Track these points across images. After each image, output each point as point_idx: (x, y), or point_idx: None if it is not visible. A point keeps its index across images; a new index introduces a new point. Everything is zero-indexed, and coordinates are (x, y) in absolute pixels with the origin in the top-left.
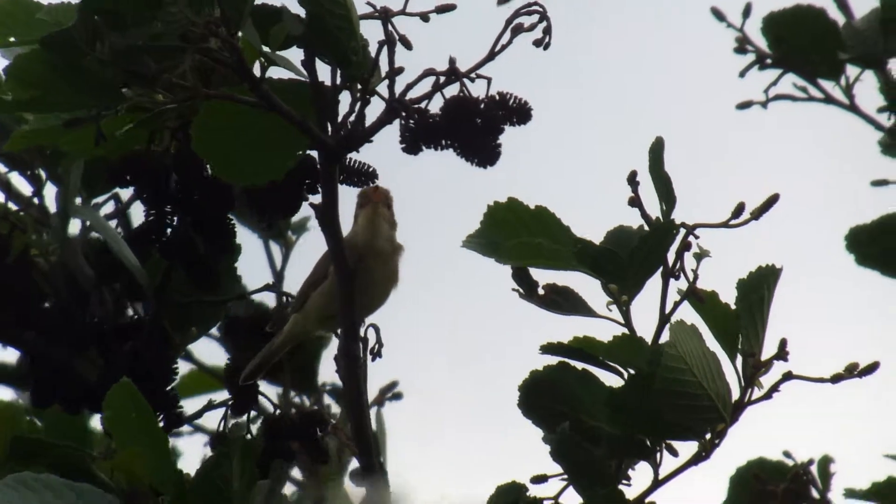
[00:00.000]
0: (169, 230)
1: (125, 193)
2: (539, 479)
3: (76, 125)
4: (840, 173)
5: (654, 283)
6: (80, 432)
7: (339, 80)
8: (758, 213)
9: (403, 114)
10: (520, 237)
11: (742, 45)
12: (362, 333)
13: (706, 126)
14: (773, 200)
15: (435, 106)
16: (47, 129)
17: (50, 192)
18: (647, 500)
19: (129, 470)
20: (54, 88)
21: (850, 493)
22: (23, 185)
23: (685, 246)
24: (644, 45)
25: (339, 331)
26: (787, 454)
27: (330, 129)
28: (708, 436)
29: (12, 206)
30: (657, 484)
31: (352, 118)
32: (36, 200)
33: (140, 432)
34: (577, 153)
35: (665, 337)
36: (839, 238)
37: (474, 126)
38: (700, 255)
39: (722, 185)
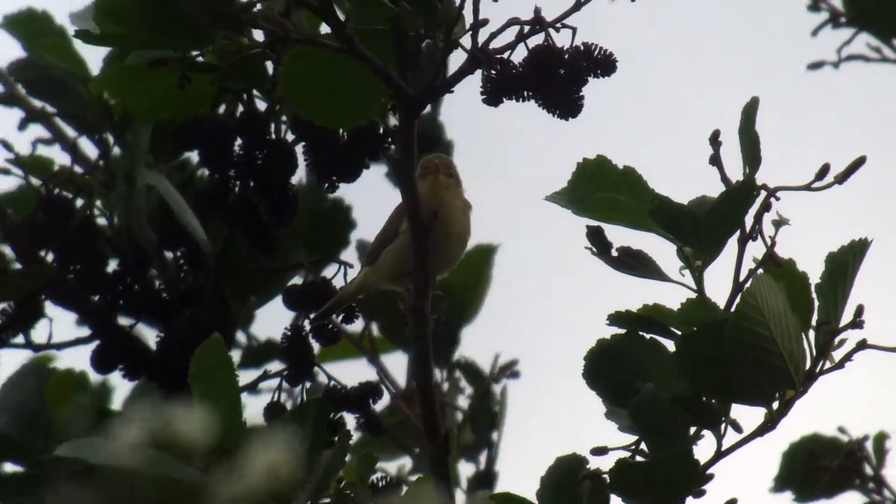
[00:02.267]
0: (232, 195)
1: (193, 160)
2: (600, 451)
3: (162, 65)
4: None
5: (729, 252)
6: None
7: (422, 29)
8: (842, 177)
9: (486, 64)
10: (604, 194)
11: (816, 2)
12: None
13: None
14: (858, 163)
15: (518, 57)
16: (126, 74)
17: (117, 156)
18: (708, 472)
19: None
20: (142, 25)
21: None
22: (89, 149)
23: (765, 208)
24: (723, 4)
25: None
26: (841, 430)
27: (411, 78)
28: (776, 405)
29: (78, 170)
30: (720, 455)
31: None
32: (102, 164)
33: (220, 391)
34: (661, 112)
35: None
36: None
37: (557, 76)
38: (779, 223)
39: (802, 150)
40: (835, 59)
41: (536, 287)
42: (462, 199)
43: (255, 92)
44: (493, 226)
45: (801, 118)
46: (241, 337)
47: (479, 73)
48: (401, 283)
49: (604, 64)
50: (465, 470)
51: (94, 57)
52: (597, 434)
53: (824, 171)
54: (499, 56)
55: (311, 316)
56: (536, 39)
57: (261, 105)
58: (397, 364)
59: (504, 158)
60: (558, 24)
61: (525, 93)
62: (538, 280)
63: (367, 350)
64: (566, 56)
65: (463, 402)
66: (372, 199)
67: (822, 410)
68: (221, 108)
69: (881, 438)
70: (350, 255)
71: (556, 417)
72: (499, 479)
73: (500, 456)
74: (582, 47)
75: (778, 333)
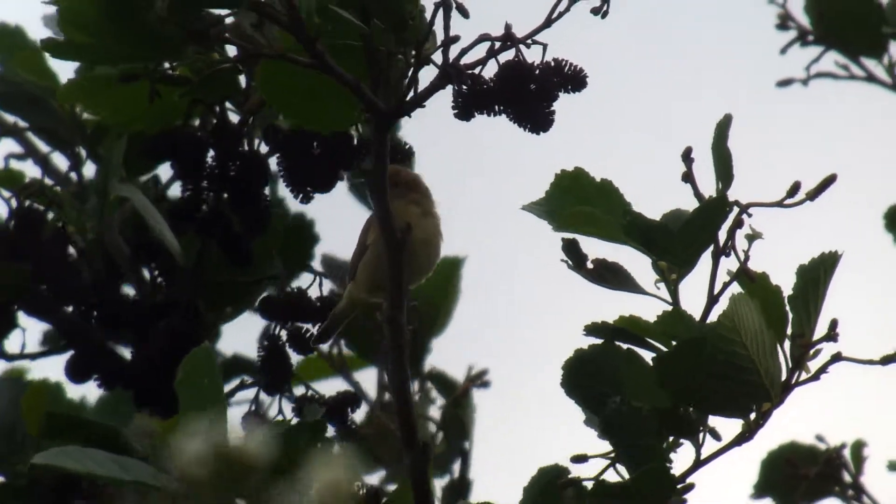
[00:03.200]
0: (205, 207)
1: (165, 174)
2: (580, 459)
3: (131, 80)
4: (883, 152)
5: (703, 265)
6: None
7: (393, 45)
8: (814, 194)
9: (457, 79)
10: (579, 207)
11: (784, 20)
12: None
13: (746, 104)
14: (829, 181)
15: (489, 72)
16: (95, 84)
17: (89, 169)
18: (687, 481)
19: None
20: (107, 37)
21: (893, 466)
22: (62, 164)
23: (737, 224)
24: (693, 22)
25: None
26: (819, 438)
27: (383, 93)
28: (753, 416)
29: (49, 182)
30: (699, 464)
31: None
32: (74, 177)
33: (206, 399)
34: (633, 127)
35: (714, 316)
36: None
37: (528, 91)
38: (752, 237)
39: (762, 165)
40: (803, 77)
41: (510, 298)
42: (433, 212)
43: (227, 104)
44: (467, 237)
45: (773, 133)
46: None
47: (450, 88)
48: (379, 295)
49: (574, 79)
50: (439, 481)
51: (66, 71)
52: (573, 442)
53: (795, 188)
54: (470, 71)
55: (313, 339)
56: (507, 55)
57: (233, 117)
58: (368, 379)
59: (479, 171)
60: (529, 41)
61: (496, 107)
62: (512, 291)
63: (339, 365)
64: (537, 71)
65: (435, 412)
66: (337, 213)
67: (800, 420)
68: (196, 121)
69: (858, 446)
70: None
71: (528, 426)
72: (473, 488)
73: (472, 465)
74: (552, 63)
75: (754, 350)
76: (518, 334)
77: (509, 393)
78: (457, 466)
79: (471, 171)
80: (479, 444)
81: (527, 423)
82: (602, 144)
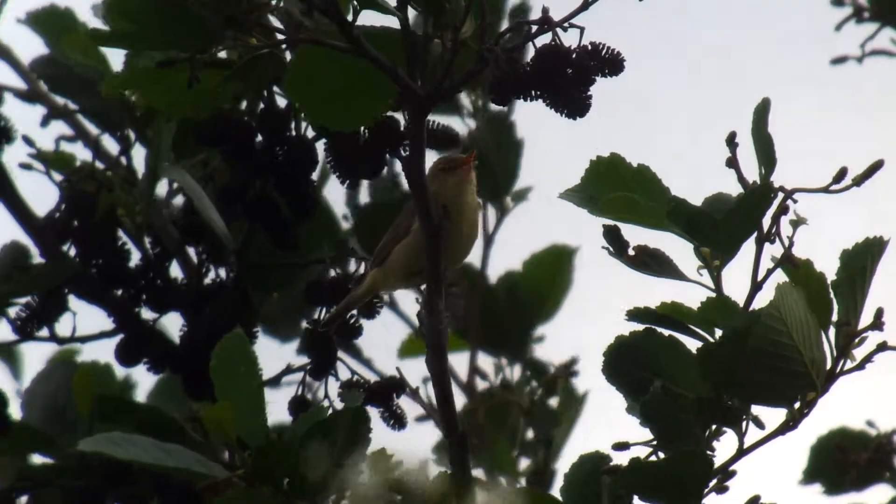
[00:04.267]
0: (252, 191)
1: (214, 157)
2: (621, 447)
3: (170, 65)
4: None
5: (746, 251)
6: None
7: (430, 29)
8: (860, 180)
9: (494, 64)
10: (618, 193)
11: None
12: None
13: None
14: (876, 167)
15: (526, 56)
16: (141, 74)
17: (139, 153)
18: (730, 469)
19: (218, 422)
20: (152, 25)
21: None
22: (111, 146)
23: (782, 210)
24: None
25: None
26: (870, 423)
27: (420, 78)
28: (797, 404)
29: (100, 166)
30: (742, 453)
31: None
32: (124, 161)
33: (242, 385)
34: (673, 112)
35: (757, 303)
36: None
37: (565, 76)
38: (797, 222)
39: (818, 149)
40: (858, 54)
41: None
42: (475, 200)
43: (276, 89)
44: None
45: (824, 113)
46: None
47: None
48: (412, 282)
49: (611, 63)
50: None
51: (116, 54)
52: (618, 430)
53: (842, 173)
54: (507, 56)
55: (322, 321)
56: (544, 39)
57: (281, 101)
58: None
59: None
60: (566, 24)
61: (533, 92)
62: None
63: None
64: (573, 56)
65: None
66: None
67: (848, 408)
68: (243, 105)
69: None
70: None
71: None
72: (557, 477)
73: (563, 454)
74: (589, 47)
75: (800, 340)
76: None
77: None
78: (541, 454)
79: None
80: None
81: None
82: (639, 130)
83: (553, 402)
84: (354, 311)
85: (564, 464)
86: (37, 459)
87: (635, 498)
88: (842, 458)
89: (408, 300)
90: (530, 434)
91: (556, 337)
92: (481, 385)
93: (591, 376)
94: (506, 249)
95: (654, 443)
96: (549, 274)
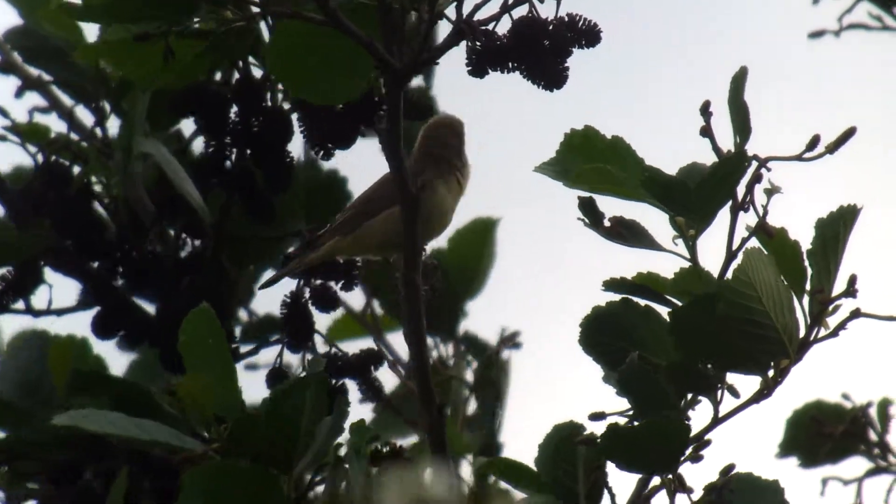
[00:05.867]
0: (228, 163)
1: (188, 129)
2: (597, 417)
3: (145, 39)
4: None
5: (721, 220)
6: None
7: (407, 1)
8: (833, 147)
9: (471, 35)
10: (593, 164)
11: None
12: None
13: (778, 56)
14: (849, 134)
15: (502, 28)
16: (115, 45)
17: (113, 124)
18: (705, 438)
19: (193, 396)
20: None
21: None
22: (86, 118)
23: (756, 179)
24: None
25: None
26: (845, 396)
27: (396, 51)
28: (771, 372)
29: (75, 137)
30: (717, 421)
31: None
32: (99, 132)
33: (212, 359)
34: (649, 83)
35: (732, 272)
36: None
37: (542, 48)
38: (771, 191)
39: (792, 119)
40: (836, 28)
41: (532, 258)
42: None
43: (251, 60)
44: (485, 197)
45: (800, 86)
46: (242, 314)
47: (464, 44)
48: (380, 253)
49: (588, 35)
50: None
51: (91, 26)
52: (601, 401)
53: (815, 141)
54: (483, 27)
55: (264, 282)
56: (521, 10)
57: (257, 72)
58: (400, 341)
59: (494, 129)
60: None
61: (510, 64)
62: (533, 251)
63: (371, 327)
64: (550, 27)
65: (470, 376)
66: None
67: (826, 378)
68: (218, 76)
69: (885, 404)
70: None
71: (560, 387)
72: (503, 450)
73: (504, 427)
74: (566, 18)
75: (771, 306)
76: (539, 293)
77: (543, 354)
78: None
79: (478, 129)
80: (515, 407)
81: (558, 384)
82: (616, 101)
83: (494, 375)
84: (333, 283)
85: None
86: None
87: (610, 468)
88: (817, 431)
89: None
90: (471, 409)
91: (484, 311)
92: None
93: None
94: None
95: (630, 412)
96: (475, 248)
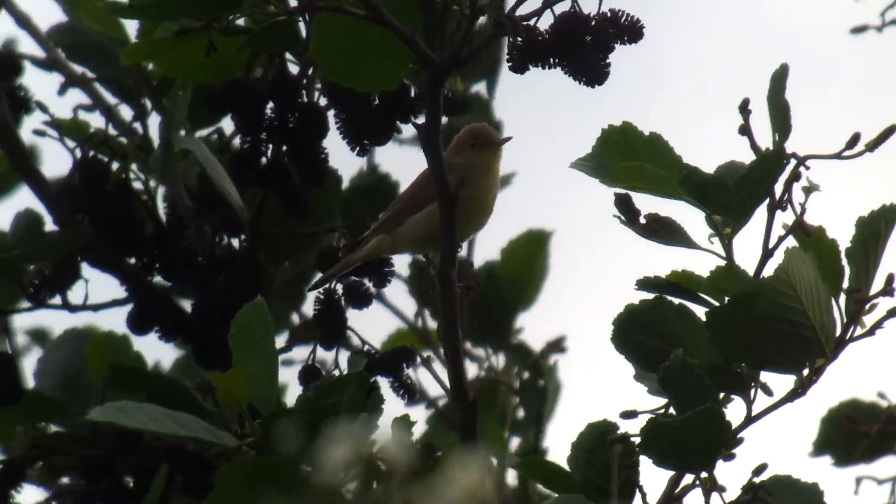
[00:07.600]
0: (264, 159)
1: (229, 127)
2: (629, 415)
3: (187, 34)
4: None
5: (757, 218)
6: None
7: None
8: (873, 145)
9: (512, 31)
10: (630, 162)
11: None
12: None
13: (819, 52)
14: (890, 132)
15: (544, 24)
16: (158, 43)
17: (154, 121)
18: (738, 436)
19: (230, 390)
20: None
21: None
22: (127, 115)
23: (794, 177)
24: None
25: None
26: (881, 395)
27: (438, 45)
28: (805, 371)
29: (113, 133)
30: (750, 420)
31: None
32: (140, 129)
33: (259, 353)
34: (691, 80)
35: (768, 271)
36: None
37: (584, 44)
38: (809, 189)
39: (833, 117)
40: (878, 24)
41: (575, 262)
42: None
43: (287, 55)
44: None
45: (841, 82)
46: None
47: (505, 40)
48: (423, 249)
49: (630, 31)
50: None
51: (133, 22)
52: (633, 400)
53: (855, 139)
54: (525, 23)
55: (313, 283)
56: (563, 6)
57: (293, 68)
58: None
59: (521, 127)
60: None
61: (551, 60)
62: (574, 253)
63: (422, 335)
64: (593, 23)
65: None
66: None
67: (861, 377)
68: (258, 72)
69: None
70: None
71: (605, 394)
72: (546, 456)
73: (549, 432)
74: (609, 14)
75: (809, 305)
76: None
77: (588, 360)
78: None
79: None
80: (562, 412)
81: (604, 391)
82: (654, 97)
83: (541, 381)
84: (366, 280)
85: (552, 442)
86: (51, 428)
87: (643, 466)
88: (851, 429)
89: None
90: (520, 414)
91: (538, 323)
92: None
93: (577, 355)
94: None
95: (663, 411)
96: (527, 260)
